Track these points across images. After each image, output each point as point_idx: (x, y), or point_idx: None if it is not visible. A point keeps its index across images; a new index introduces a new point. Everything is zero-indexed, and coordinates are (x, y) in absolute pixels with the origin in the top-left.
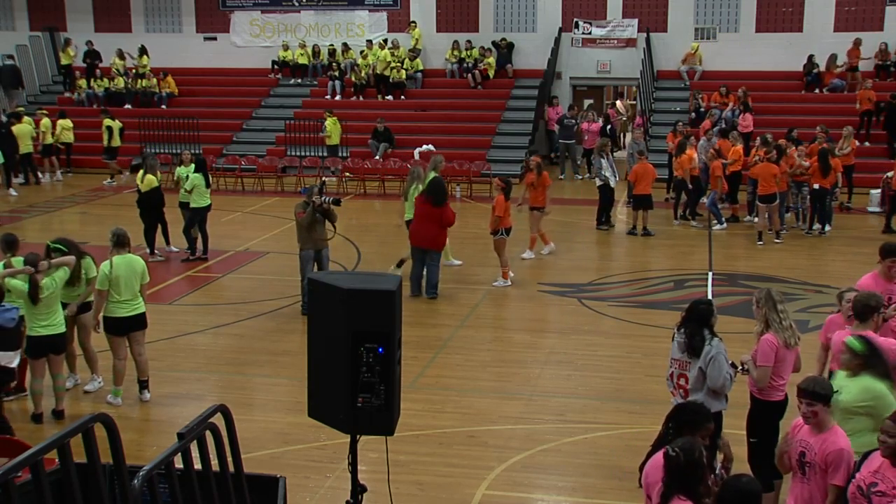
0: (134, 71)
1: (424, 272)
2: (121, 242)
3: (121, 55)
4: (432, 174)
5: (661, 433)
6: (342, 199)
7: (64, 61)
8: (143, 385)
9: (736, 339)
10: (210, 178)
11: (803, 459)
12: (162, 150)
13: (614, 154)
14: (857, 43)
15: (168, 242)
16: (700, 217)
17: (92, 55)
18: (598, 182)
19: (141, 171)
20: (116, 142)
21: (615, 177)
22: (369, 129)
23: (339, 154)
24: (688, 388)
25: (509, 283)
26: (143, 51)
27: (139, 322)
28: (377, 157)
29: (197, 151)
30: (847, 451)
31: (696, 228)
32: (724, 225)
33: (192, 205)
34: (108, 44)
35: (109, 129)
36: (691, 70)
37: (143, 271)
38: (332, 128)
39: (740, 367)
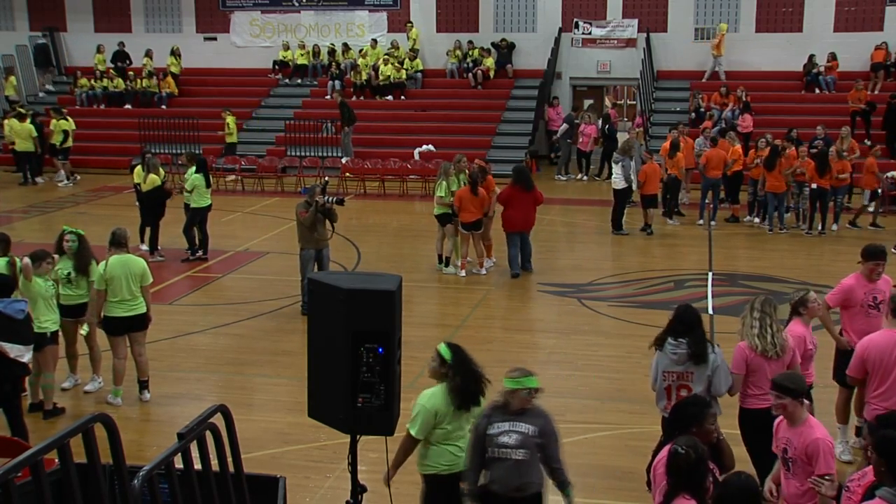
0: (161, 72)
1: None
2: (117, 242)
3: (150, 56)
4: (462, 176)
5: (666, 437)
6: (345, 198)
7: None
8: (143, 385)
9: (735, 340)
10: (210, 178)
11: (786, 455)
12: (162, 150)
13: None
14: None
15: (143, 242)
16: (681, 216)
17: (122, 56)
18: (621, 184)
19: (139, 169)
20: (69, 142)
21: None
22: (369, 129)
23: (236, 152)
24: None
25: (464, 273)
26: (173, 52)
27: (138, 322)
28: (350, 153)
29: (197, 151)
30: (823, 440)
31: (673, 226)
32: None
33: (193, 205)
34: (110, 43)
35: (65, 131)
36: (715, 71)
37: (144, 273)
38: (233, 125)
39: None
